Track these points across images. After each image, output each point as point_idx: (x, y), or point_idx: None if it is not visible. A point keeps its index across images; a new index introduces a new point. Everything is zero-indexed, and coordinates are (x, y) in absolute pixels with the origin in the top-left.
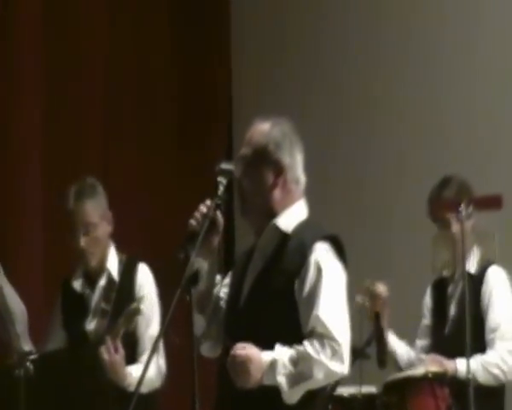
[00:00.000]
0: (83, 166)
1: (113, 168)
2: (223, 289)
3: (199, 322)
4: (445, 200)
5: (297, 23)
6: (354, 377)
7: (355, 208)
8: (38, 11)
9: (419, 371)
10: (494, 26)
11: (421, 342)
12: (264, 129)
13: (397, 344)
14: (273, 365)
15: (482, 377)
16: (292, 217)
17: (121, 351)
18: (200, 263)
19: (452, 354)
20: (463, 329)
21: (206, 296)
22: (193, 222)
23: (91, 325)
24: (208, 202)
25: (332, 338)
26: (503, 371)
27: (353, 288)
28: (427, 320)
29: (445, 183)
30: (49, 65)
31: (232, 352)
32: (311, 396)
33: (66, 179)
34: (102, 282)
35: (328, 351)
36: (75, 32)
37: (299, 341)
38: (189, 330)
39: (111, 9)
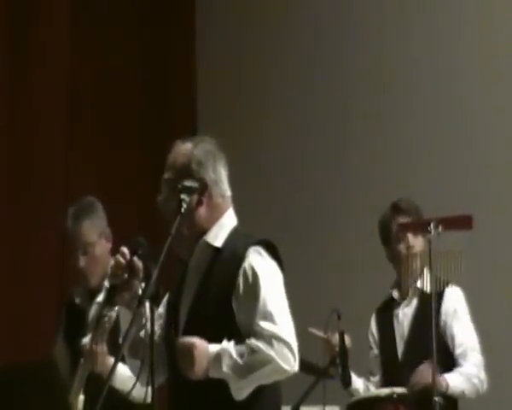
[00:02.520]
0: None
1: (75, 181)
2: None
3: (133, 366)
4: (414, 220)
5: (260, 53)
6: (318, 396)
7: (316, 220)
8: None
9: (384, 391)
10: (457, 53)
11: (376, 378)
12: (185, 149)
13: (358, 383)
14: (219, 355)
15: (468, 390)
16: (221, 230)
17: (104, 349)
18: (123, 311)
19: (408, 379)
20: (420, 351)
21: (136, 341)
22: (111, 275)
23: (86, 339)
24: (125, 250)
25: (279, 338)
26: (481, 380)
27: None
28: (374, 350)
29: (397, 207)
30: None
31: (179, 340)
32: (261, 395)
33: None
34: (100, 297)
35: (277, 348)
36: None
37: None
38: (150, 344)
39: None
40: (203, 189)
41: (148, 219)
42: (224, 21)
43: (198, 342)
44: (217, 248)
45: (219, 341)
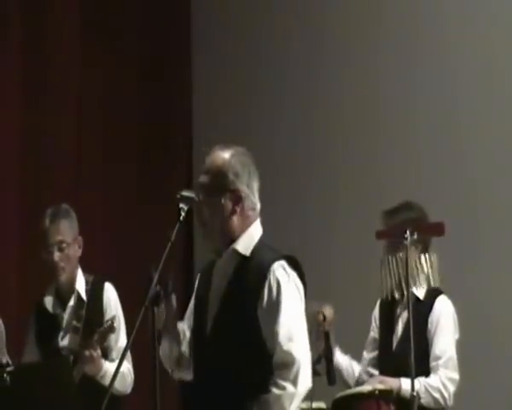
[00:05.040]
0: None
1: (81, 199)
2: (188, 320)
3: (171, 355)
4: (392, 226)
5: (257, 70)
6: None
7: (303, 221)
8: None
9: (366, 388)
10: (438, 55)
11: (369, 355)
12: (224, 158)
13: (341, 359)
14: None
15: (424, 399)
16: (249, 239)
17: (98, 351)
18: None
19: (398, 370)
20: (409, 349)
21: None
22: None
23: (64, 341)
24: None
25: (293, 363)
26: (443, 396)
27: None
28: (375, 333)
29: (400, 208)
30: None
31: None
32: None
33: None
34: (72, 302)
35: (291, 377)
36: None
37: (266, 361)
38: (152, 346)
39: (83, 65)
40: (237, 200)
41: (148, 227)
42: (221, 47)
43: None
44: (244, 257)
45: (244, 344)
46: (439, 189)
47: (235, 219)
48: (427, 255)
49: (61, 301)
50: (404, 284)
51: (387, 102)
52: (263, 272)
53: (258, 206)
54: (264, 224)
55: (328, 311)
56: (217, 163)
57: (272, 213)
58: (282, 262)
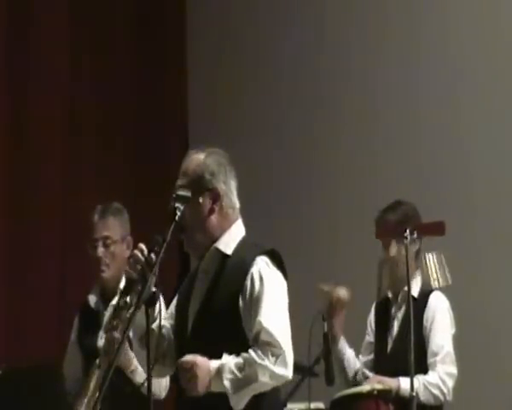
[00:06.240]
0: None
1: (71, 206)
2: (168, 320)
3: (142, 356)
4: (391, 224)
5: (252, 53)
6: (303, 393)
7: (301, 221)
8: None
9: (365, 388)
10: (440, 55)
11: (365, 359)
12: (199, 159)
13: (347, 351)
14: (220, 370)
15: (423, 397)
16: (231, 238)
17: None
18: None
19: (394, 371)
20: (405, 349)
21: (146, 332)
22: (129, 269)
23: (102, 341)
24: (143, 247)
25: (275, 345)
26: (442, 392)
27: (301, 298)
28: (370, 337)
29: (393, 206)
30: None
31: (180, 359)
32: (259, 401)
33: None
34: (115, 301)
35: (272, 358)
36: (38, 82)
37: None
38: (147, 347)
39: (72, 53)
40: (215, 198)
41: (144, 227)
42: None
43: (199, 359)
44: (226, 255)
45: (225, 341)
46: (439, 189)
47: (214, 218)
48: (430, 255)
49: (105, 299)
50: (398, 284)
51: (388, 101)
52: (245, 267)
53: (238, 205)
54: (261, 223)
55: (343, 292)
56: (192, 165)
57: (270, 212)
58: (265, 258)
